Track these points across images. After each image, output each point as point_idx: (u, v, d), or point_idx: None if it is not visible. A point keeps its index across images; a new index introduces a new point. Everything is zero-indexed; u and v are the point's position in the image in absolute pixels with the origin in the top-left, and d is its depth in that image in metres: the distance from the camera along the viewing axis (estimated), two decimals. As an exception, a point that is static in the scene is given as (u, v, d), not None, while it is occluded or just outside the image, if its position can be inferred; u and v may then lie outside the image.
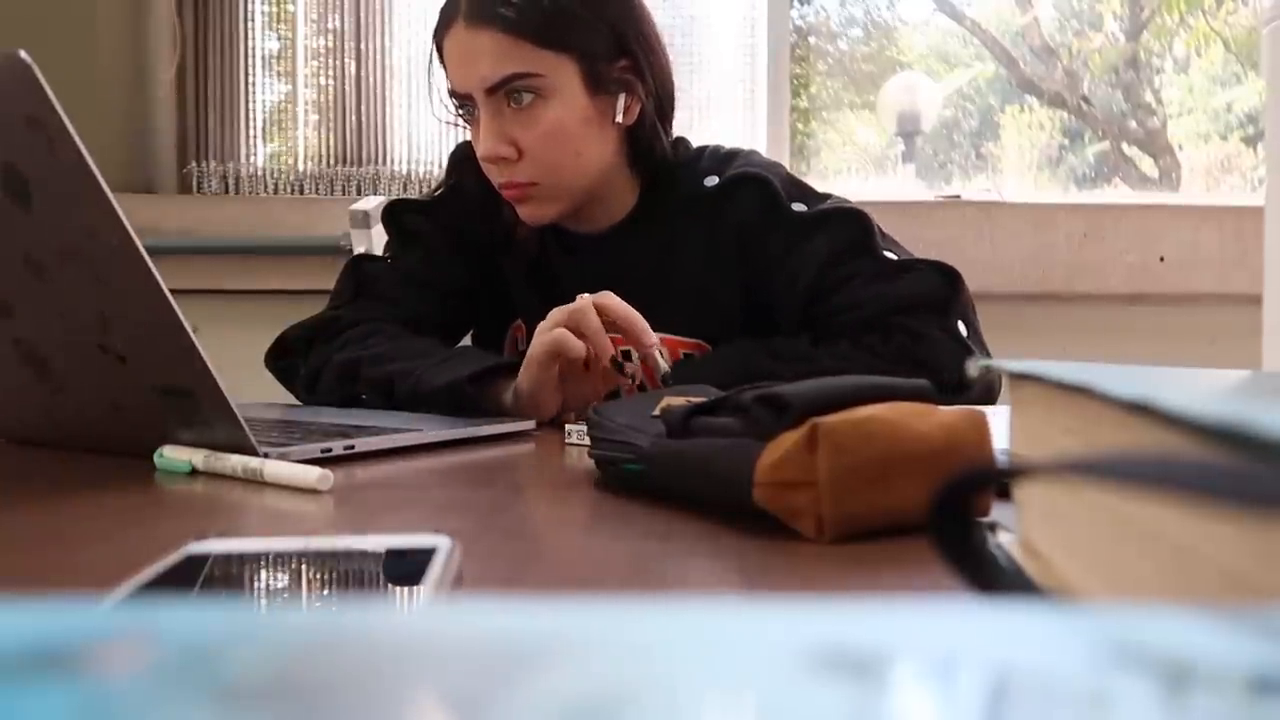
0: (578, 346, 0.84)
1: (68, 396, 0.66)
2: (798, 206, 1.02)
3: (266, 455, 0.57)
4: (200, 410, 0.59)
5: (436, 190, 1.14)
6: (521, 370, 0.88)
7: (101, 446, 0.67)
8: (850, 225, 1.00)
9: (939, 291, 0.97)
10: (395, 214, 1.13)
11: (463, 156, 1.12)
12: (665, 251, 1.04)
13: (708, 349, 1.03)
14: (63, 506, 0.51)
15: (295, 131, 1.92)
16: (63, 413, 0.68)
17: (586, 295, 0.88)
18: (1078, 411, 0.26)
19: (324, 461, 0.59)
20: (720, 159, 1.07)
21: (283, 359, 1.07)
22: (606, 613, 0.13)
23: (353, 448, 0.64)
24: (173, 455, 0.59)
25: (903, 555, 0.38)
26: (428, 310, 1.08)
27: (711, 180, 1.03)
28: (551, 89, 0.96)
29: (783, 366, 0.92)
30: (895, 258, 1.00)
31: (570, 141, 0.98)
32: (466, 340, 1.17)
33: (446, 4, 0.98)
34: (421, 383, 0.91)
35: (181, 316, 0.55)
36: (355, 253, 1.49)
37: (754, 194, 1.01)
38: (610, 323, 0.87)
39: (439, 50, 0.99)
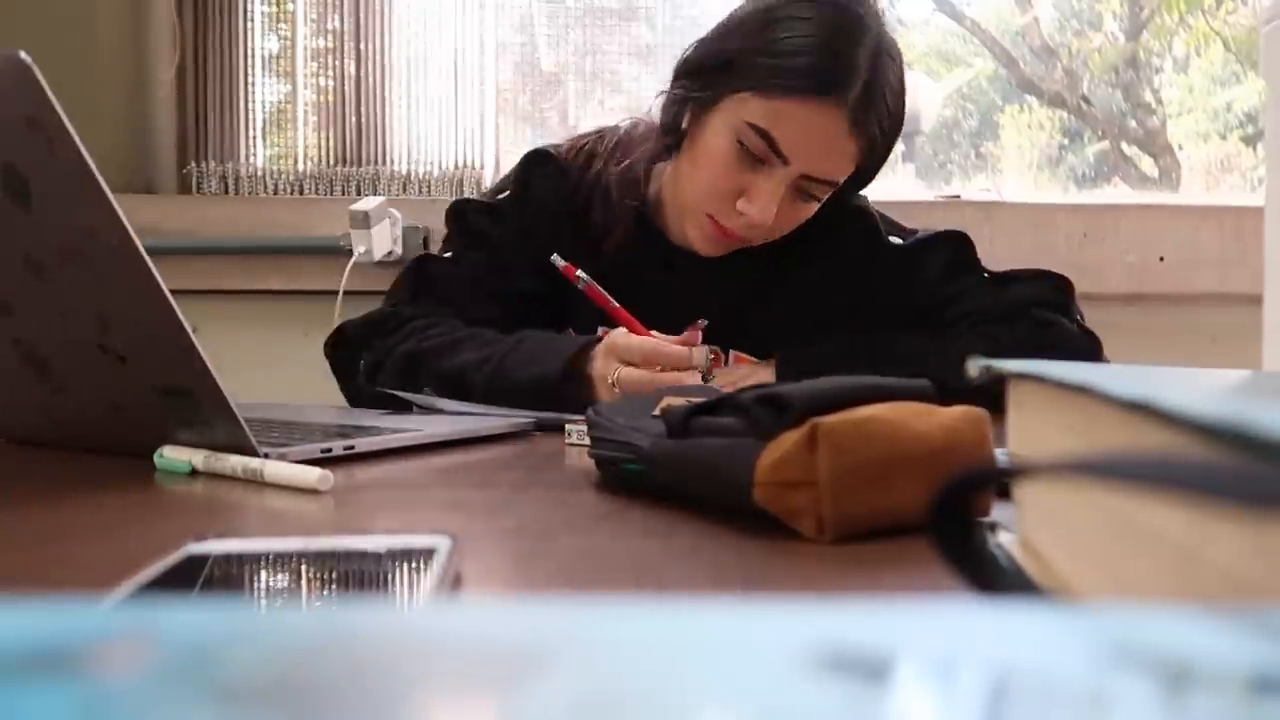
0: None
1: (68, 396, 0.66)
2: (894, 239, 1.06)
3: (266, 456, 0.57)
4: (200, 410, 0.59)
5: (502, 191, 1.11)
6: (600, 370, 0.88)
7: (101, 446, 0.67)
8: (953, 246, 1.05)
9: (1054, 293, 1.03)
10: (461, 213, 1.10)
11: (536, 160, 1.09)
12: (767, 281, 1.04)
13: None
14: (62, 506, 0.51)
15: (295, 132, 1.92)
16: (63, 413, 0.68)
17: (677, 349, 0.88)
18: (1078, 411, 0.26)
19: (324, 462, 0.59)
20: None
21: (341, 350, 1.05)
22: (606, 613, 0.13)
23: (353, 448, 0.64)
24: (173, 455, 0.59)
25: (903, 555, 0.38)
26: (491, 314, 1.04)
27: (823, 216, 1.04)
28: (833, 188, 0.98)
29: (896, 360, 0.93)
30: (1000, 271, 1.05)
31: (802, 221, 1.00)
32: None
33: (839, 68, 0.91)
34: (502, 375, 0.90)
35: (181, 316, 0.55)
36: (355, 254, 1.49)
37: (858, 230, 1.06)
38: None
39: (776, 81, 0.92)
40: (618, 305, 0.94)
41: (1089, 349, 1.01)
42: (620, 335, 0.89)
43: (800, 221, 0.99)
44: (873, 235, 1.06)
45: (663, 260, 1.06)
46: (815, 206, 0.99)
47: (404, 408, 0.92)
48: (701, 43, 1.01)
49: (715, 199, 0.97)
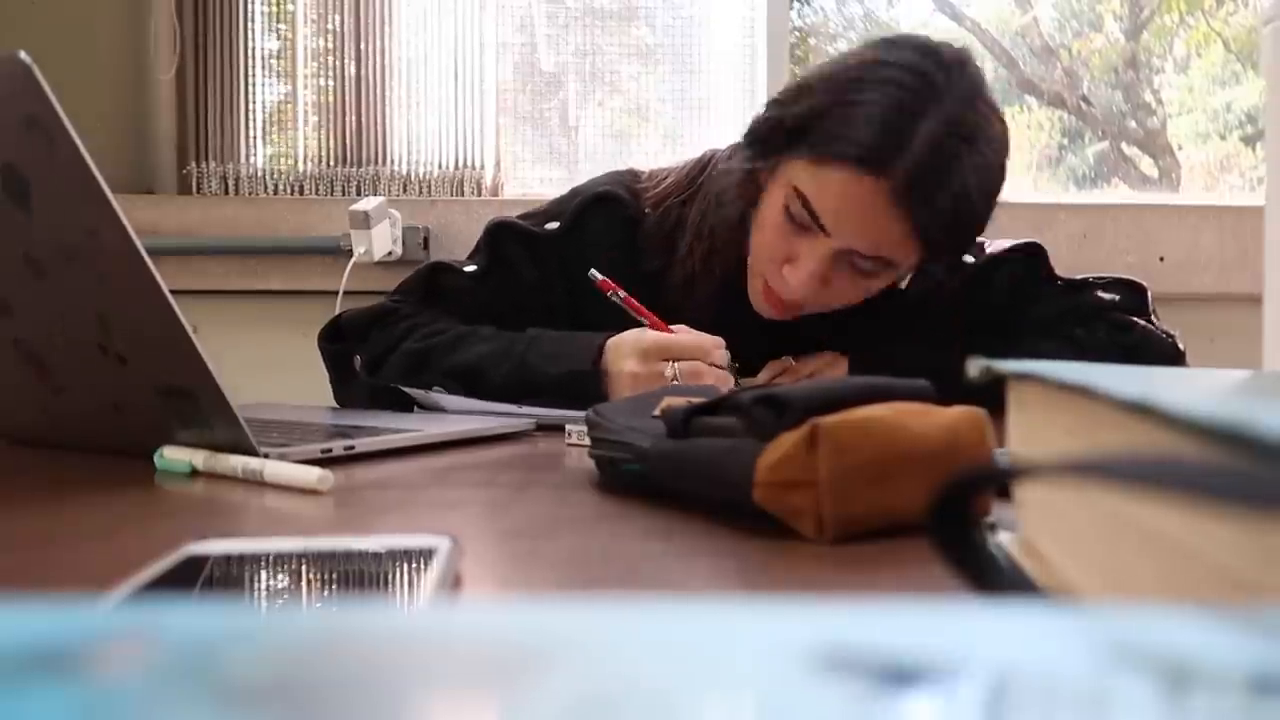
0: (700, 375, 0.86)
1: (68, 396, 0.66)
2: (966, 258, 1.03)
3: (266, 456, 0.57)
4: (200, 411, 0.59)
5: (553, 219, 1.04)
6: (628, 369, 0.87)
7: (101, 446, 0.67)
8: (1022, 262, 1.03)
9: (1133, 298, 1.02)
10: (499, 231, 1.04)
11: (601, 200, 1.03)
12: (844, 313, 0.99)
13: None
14: (63, 506, 0.51)
15: (295, 132, 1.92)
16: (63, 413, 0.68)
17: (705, 342, 0.87)
18: (1078, 412, 0.26)
19: (324, 462, 0.59)
20: None
21: (336, 342, 1.01)
22: (607, 613, 0.13)
23: (353, 448, 0.64)
24: (173, 456, 0.59)
25: (903, 555, 0.38)
26: None
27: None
28: (893, 271, 0.93)
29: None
30: (1075, 278, 1.04)
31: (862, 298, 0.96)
32: None
33: (889, 141, 0.85)
34: (527, 368, 0.89)
35: (181, 317, 0.55)
36: (355, 254, 1.49)
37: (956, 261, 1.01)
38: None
39: (827, 149, 0.87)
40: (654, 316, 0.92)
41: (1171, 349, 0.99)
42: (652, 333, 0.88)
43: (862, 298, 0.94)
44: (955, 257, 1.01)
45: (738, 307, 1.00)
46: (879, 284, 0.94)
47: (404, 405, 0.92)
48: (771, 104, 0.95)
49: (767, 263, 0.94)
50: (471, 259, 1.06)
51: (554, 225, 1.03)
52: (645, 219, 1.02)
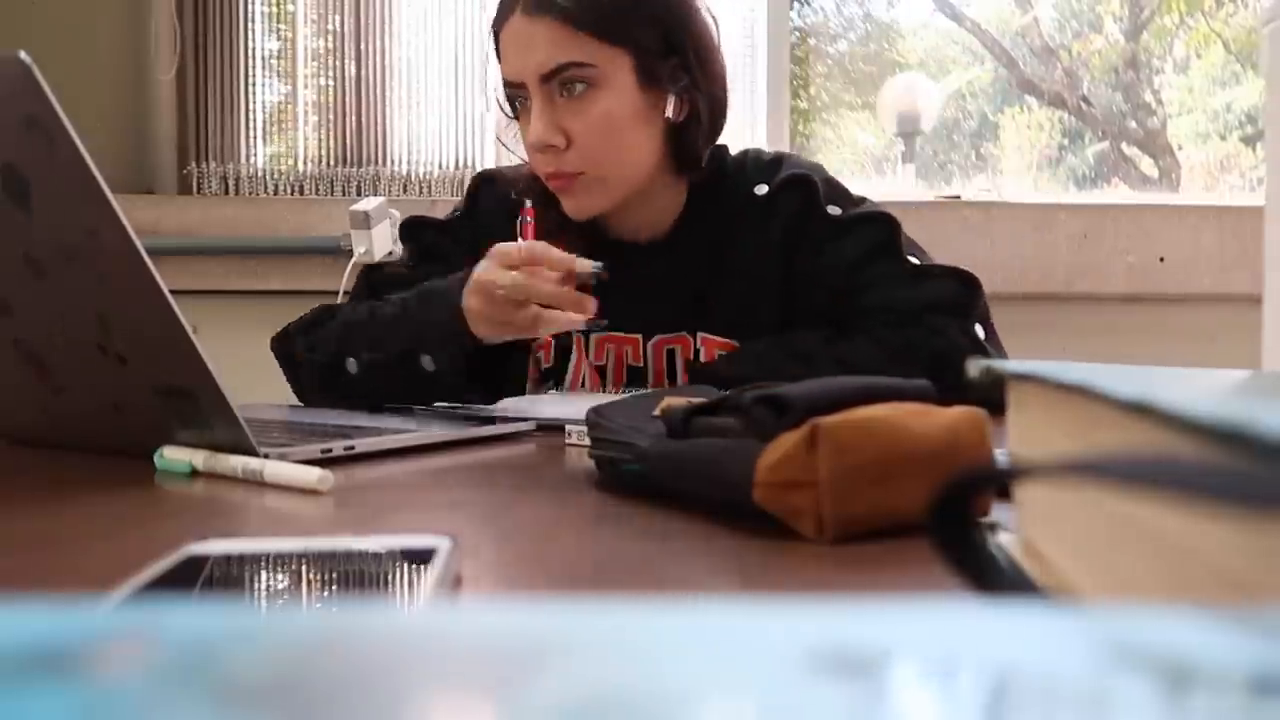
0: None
1: (68, 396, 0.66)
2: (833, 209, 1.05)
3: (267, 456, 0.57)
4: (200, 411, 0.59)
5: (454, 212, 1.16)
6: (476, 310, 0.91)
7: (102, 446, 0.67)
8: (878, 229, 1.04)
9: (959, 296, 1.01)
10: (413, 230, 1.14)
11: (482, 180, 1.15)
12: (715, 260, 1.05)
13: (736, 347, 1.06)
14: (63, 507, 0.51)
15: (295, 132, 1.92)
16: (63, 413, 0.68)
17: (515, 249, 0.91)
18: (1077, 412, 0.26)
19: (324, 462, 0.59)
20: (765, 166, 1.09)
21: (284, 344, 1.09)
22: (606, 613, 0.13)
23: (353, 448, 0.64)
24: (173, 456, 0.59)
25: (903, 555, 0.38)
26: None
27: (762, 189, 1.06)
28: (604, 80, 0.97)
29: (792, 363, 0.95)
30: (918, 263, 1.03)
31: (619, 133, 0.99)
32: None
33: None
34: (408, 325, 0.94)
35: (181, 317, 0.55)
36: (355, 254, 1.49)
37: (798, 196, 1.05)
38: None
39: (496, 40, 1.01)
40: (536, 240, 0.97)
41: (957, 364, 0.96)
42: (503, 244, 0.92)
43: (602, 121, 0.99)
44: (809, 201, 1.05)
45: (607, 257, 1.04)
46: (607, 100, 0.98)
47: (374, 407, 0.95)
48: None
49: (531, 159, 1.02)
50: (403, 261, 1.16)
51: (457, 213, 1.15)
52: (518, 182, 1.11)
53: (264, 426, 0.71)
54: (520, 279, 0.88)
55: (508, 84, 1.00)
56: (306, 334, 1.06)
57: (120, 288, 0.56)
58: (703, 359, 1.06)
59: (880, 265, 1.03)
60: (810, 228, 1.04)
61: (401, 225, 1.16)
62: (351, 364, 0.98)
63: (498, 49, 1.01)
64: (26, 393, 0.67)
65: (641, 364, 1.08)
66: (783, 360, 0.96)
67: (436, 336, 0.92)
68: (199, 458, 0.58)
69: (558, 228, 1.04)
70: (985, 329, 1.02)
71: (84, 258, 0.56)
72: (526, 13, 0.97)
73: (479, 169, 1.88)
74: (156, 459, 0.60)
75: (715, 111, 1.06)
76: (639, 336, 1.07)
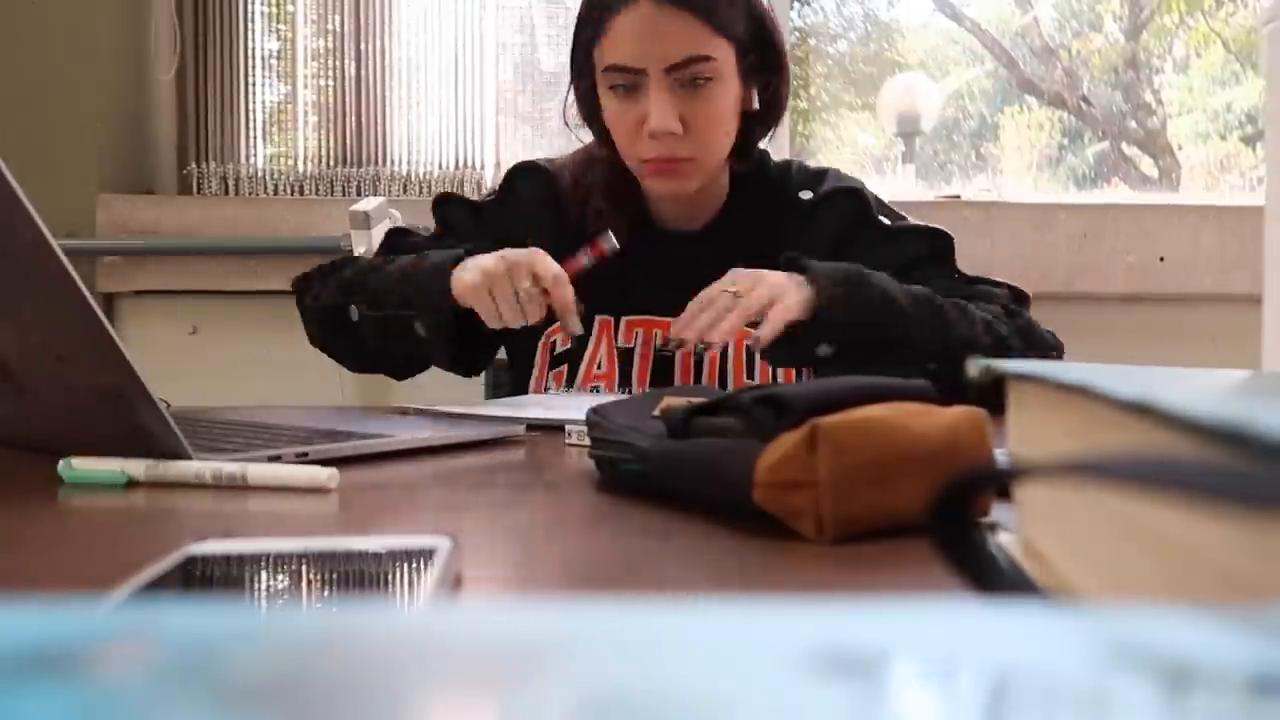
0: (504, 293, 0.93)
1: (31, 400, 0.64)
2: (884, 219, 1.11)
3: (202, 459, 0.55)
4: (136, 411, 0.57)
5: (487, 195, 1.18)
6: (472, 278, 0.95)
7: (74, 449, 0.63)
8: (933, 239, 1.10)
9: (1012, 299, 1.08)
10: (444, 205, 1.17)
11: (520, 170, 1.16)
12: (755, 253, 1.06)
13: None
14: (63, 507, 0.51)
15: (295, 132, 1.92)
16: (33, 415, 0.66)
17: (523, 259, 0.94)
18: (1077, 412, 0.26)
19: (319, 465, 0.58)
20: (811, 175, 1.14)
21: (302, 284, 1.14)
22: (606, 613, 0.13)
23: (306, 455, 0.61)
24: (82, 467, 0.56)
25: (903, 555, 0.38)
26: None
27: (807, 194, 1.11)
28: (720, 73, 1.01)
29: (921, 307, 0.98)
30: (970, 274, 1.11)
31: (725, 123, 1.04)
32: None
33: None
34: (404, 284, 0.99)
35: (101, 314, 0.54)
36: (355, 254, 1.49)
37: (849, 205, 1.11)
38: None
39: (602, 23, 1.00)
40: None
41: (1055, 346, 1.07)
42: (543, 257, 0.96)
43: (717, 112, 1.02)
44: (861, 213, 1.10)
45: (652, 244, 1.11)
46: (723, 94, 1.02)
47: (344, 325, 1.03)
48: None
49: (632, 143, 1.03)
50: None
51: (492, 196, 1.18)
52: (562, 176, 1.15)
53: (235, 429, 0.71)
54: (501, 271, 0.93)
55: (618, 68, 1.00)
56: (324, 279, 1.10)
57: (41, 286, 0.55)
58: (732, 348, 1.08)
59: (932, 269, 1.08)
60: (862, 234, 1.09)
61: (434, 199, 1.18)
62: (353, 311, 1.03)
63: (604, 28, 1.00)
64: (1, 395, 0.66)
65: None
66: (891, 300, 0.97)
67: (425, 301, 0.98)
68: (139, 468, 0.55)
69: (609, 213, 1.08)
70: None
71: (9, 257, 0.55)
72: (659, 1, 0.97)
73: (479, 169, 1.88)
74: (62, 471, 0.55)
75: (780, 106, 1.10)
76: (670, 320, 1.08)
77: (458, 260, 0.98)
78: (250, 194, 1.87)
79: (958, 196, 1.89)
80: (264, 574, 0.33)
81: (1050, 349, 1.05)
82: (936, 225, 1.12)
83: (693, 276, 0.99)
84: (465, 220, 1.15)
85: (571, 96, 1.10)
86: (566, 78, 1.10)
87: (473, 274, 0.95)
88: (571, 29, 1.07)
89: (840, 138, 2.19)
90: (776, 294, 0.93)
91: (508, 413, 0.86)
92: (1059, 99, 2.10)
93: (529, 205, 1.13)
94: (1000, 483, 0.40)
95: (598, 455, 0.55)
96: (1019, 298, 1.11)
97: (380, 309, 1.01)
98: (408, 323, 0.99)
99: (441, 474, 0.61)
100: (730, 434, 0.46)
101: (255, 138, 1.91)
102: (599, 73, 1.03)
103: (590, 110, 1.08)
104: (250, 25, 1.90)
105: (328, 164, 1.90)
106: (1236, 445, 0.16)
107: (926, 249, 1.09)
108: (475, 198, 1.19)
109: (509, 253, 0.96)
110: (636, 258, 1.07)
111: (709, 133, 1.02)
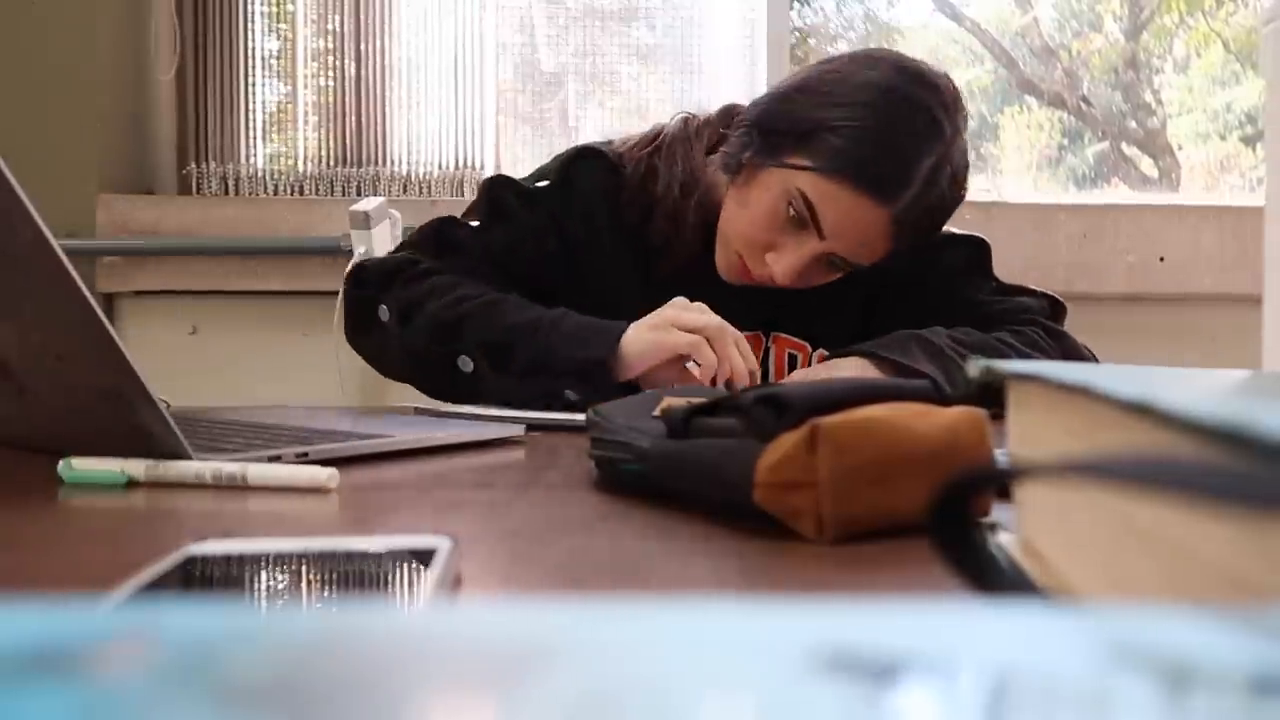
0: (710, 362, 0.89)
1: (33, 400, 0.64)
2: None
3: (202, 459, 0.55)
4: (136, 411, 0.57)
5: (542, 179, 1.09)
6: (643, 336, 0.91)
7: (75, 449, 0.63)
8: (973, 248, 1.12)
9: (1046, 312, 1.09)
10: (497, 188, 1.08)
11: (582, 154, 1.09)
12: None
13: (807, 349, 1.10)
14: (62, 507, 0.51)
15: (295, 132, 1.92)
16: (34, 416, 0.66)
17: (727, 327, 0.91)
18: (1078, 412, 0.26)
19: (320, 465, 0.58)
20: None
21: (358, 289, 1.03)
22: (606, 613, 0.13)
23: (305, 455, 0.61)
24: (82, 467, 0.55)
25: (903, 555, 0.38)
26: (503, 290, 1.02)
27: None
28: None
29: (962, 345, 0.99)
30: (1007, 284, 1.12)
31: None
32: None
33: (895, 175, 0.95)
34: (550, 352, 0.92)
35: (101, 313, 0.54)
36: (355, 254, 1.49)
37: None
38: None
39: (839, 172, 0.94)
40: None
41: (1091, 358, 1.09)
42: (726, 327, 0.92)
43: (820, 283, 1.03)
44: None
45: (711, 271, 1.07)
46: (839, 275, 1.02)
47: (439, 370, 0.95)
48: (774, 99, 1.03)
49: (749, 245, 1.00)
50: (470, 215, 1.09)
51: (546, 183, 1.08)
52: (624, 167, 1.08)
53: (235, 429, 0.71)
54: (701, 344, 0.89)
55: (811, 214, 0.95)
56: (394, 292, 1.00)
57: (41, 285, 0.55)
58: (773, 358, 1.08)
59: (974, 278, 1.10)
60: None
61: (488, 180, 1.10)
62: (464, 362, 0.95)
63: (835, 178, 0.94)
64: (1, 395, 0.66)
65: None
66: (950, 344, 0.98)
67: (582, 370, 0.92)
68: (139, 468, 0.55)
69: (672, 238, 1.05)
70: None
71: (9, 256, 0.55)
72: (892, 223, 0.96)
73: (479, 169, 1.88)
74: (62, 471, 0.55)
75: None
76: (752, 335, 1.07)
77: (621, 330, 0.92)
78: (250, 194, 1.87)
79: (958, 196, 1.89)
80: (264, 574, 0.33)
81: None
82: (972, 234, 1.13)
83: (731, 288, 1.00)
84: (516, 206, 1.06)
85: (739, 144, 1.01)
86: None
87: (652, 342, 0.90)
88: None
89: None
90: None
91: (508, 413, 0.86)
92: (1059, 99, 2.10)
93: (590, 198, 1.06)
94: (1000, 483, 0.40)
95: (598, 455, 0.55)
96: (1056, 310, 1.11)
97: (509, 370, 0.93)
98: (550, 387, 0.93)
99: (441, 474, 0.61)
100: (730, 434, 0.46)
101: (255, 138, 1.91)
102: (788, 176, 0.96)
103: (737, 167, 1.01)
104: (250, 25, 1.90)
105: (328, 164, 1.90)
106: (1237, 445, 0.16)
107: (964, 258, 1.10)
108: (523, 181, 1.10)
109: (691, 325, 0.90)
110: (692, 280, 1.03)
111: (801, 286, 1.01)
